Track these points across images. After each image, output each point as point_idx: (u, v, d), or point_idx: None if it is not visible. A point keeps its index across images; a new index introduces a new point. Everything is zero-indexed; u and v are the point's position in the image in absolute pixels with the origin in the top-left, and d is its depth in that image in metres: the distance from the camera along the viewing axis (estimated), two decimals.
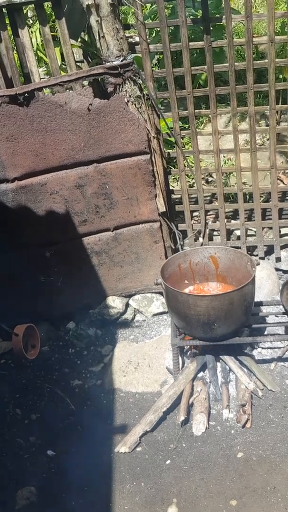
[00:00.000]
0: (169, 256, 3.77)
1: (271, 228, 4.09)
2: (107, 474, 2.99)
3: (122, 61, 3.37)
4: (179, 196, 4.04)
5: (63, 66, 4.04)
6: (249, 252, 4.14)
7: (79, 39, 4.47)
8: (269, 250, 4.19)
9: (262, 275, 3.97)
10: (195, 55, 5.07)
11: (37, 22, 3.98)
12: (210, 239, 4.22)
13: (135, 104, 3.48)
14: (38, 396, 3.53)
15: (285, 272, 4.15)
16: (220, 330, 3.24)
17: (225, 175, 4.58)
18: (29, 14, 5.63)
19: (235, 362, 3.41)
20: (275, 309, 3.80)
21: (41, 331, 3.92)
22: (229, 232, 4.23)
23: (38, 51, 5.07)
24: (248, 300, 3.27)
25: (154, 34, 5.43)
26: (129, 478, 2.96)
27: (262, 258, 4.15)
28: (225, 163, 4.78)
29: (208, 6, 3.47)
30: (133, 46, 3.54)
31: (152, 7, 5.58)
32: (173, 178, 4.56)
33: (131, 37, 3.85)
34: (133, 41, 3.62)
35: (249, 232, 4.18)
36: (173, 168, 4.22)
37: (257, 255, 4.15)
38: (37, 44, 5.01)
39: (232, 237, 4.24)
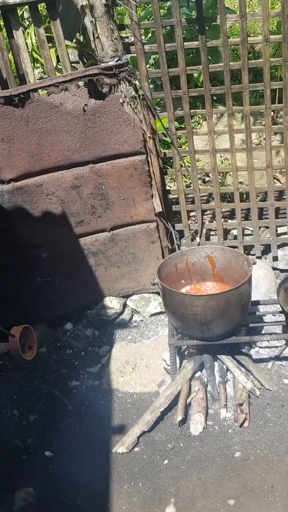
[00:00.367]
0: (166, 256, 3.77)
1: (267, 227, 4.10)
2: (105, 475, 2.99)
3: (117, 61, 3.37)
4: (175, 196, 4.04)
5: (59, 67, 4.04)
6: (246, 252, 4.15)
7: (74, 40, 4.47)
8: (266, 249, 4.20)
9: (259, 274, 3.97)
10: (191, 55, 5.07)
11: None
12: (207, 238, 4.22)
13: (130, 105, 3.48)
14: (35, 397, 3.53)
15: (282, 271, 4.16)
16: (217, 330, 3.24)
17: (221, 174, 4.58)
18: (25, 15, 5.64)
19: (233, 362, 3.41)
20: (272, 308, 3.80)
21: (38, 332, 3.91)
22: (226, 232, 4.23)
23: (33, 52, 5.08)
24: (245, 299, 3.27)
25: (150, 35, 5.43)
26: (127, 478, 2.96)
27: (259, 257, 4.15)
28: (222, 162, 4.78)
29: (203, 5, 3.48)
30: (128, 47, 3.54)
31: (148, 7, 5.58)
32: (170, 178, 4.57)
33: (127, 37, 3.86)
34: (129, 42, 3.62)
35: (246, 232, 4.19)
36: (169, 168, 4.22)
37: (254, 254, 4.15)
38: (33, 45, 5.02)
39: (229, 237, 4.24)
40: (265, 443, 3.04)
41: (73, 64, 3.89)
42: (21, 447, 3.21)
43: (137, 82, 3.53)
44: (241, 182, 4.21)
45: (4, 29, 3.45)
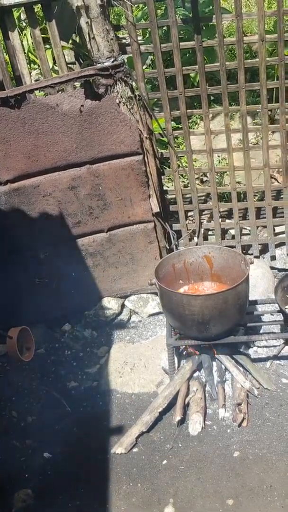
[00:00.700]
0: (164, 256, 3.77)
1: (265, 226, 4.10)
2: (104, 476, 2.99)
3: (113, 62, 3.37)
4: (173, 196, 4.04)
5: (56, 68, 4.04)
6: (244, 251, 4.15)
7: (70, 41, 4.47)
8: (264, 249, 4.20)
9: (257, 273, 3.96)
10: (187, 55, 5.07)
11: None
12: (205, 238, 4.22)
13: (126, 105, 3.47)
14: (34, 398, 3.53)
15: (280, 270, 4.15)
16: (215, 330, 3.24)
17: (219, 174, 4.58)
18: (22, 16, 5.63)
19: (231, 361, 3.41)
20: (270, 307, 3.80)
21: (36, 333, 3.90)
22: (224, 231, 4.23)
23: (30, 53, 5.07)
24: (242, 299, 3.27)
25: (147, 35, 5.43)
26: (126, 479, 2.96)
27: (257, 257, 4.15)
28: (219, 162, 4.78)
29: (199, 5, 3.48)
30: (125, 47, 3.54)
31: (145, 8, 5.58)
32: (168, 178, 4.56)
33: (124, 38, 3.86)
34: (125, 42, 3.62)
35: (244, 231, 4.18)
36: (167, 168, 4.22)
37: (252, 254, 4.14)
38: (29, 46, 5.01)
39: (227, 236, 4.24)
40: (263, 443, 3.04)
41: (69, 65, 3.89)
42: (19, 449, 3.21)
43: (133, 83, 3.53)
44: (238, 182, 4.20)
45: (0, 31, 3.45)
